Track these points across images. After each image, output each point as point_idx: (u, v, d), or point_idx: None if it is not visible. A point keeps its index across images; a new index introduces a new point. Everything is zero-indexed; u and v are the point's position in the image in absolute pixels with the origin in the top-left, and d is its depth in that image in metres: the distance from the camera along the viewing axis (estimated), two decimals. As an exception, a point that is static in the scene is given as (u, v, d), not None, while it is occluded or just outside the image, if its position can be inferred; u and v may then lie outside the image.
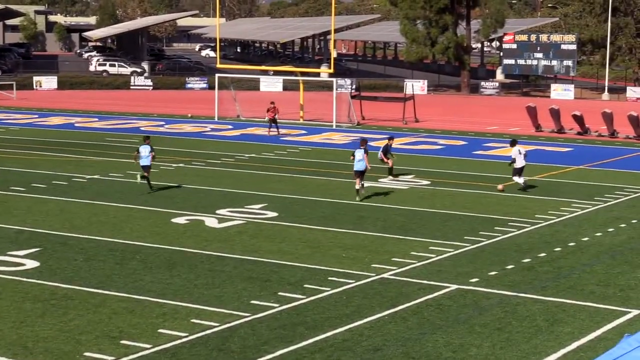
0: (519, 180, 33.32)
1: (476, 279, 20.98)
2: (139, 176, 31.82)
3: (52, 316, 17.78)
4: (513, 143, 33.77)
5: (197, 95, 79.38)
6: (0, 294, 19.22)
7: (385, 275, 21.24)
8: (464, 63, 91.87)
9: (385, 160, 35.23)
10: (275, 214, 28.23)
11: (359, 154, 30.77)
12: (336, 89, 57.06)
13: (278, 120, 50.79)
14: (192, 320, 17.65)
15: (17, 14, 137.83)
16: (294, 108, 59.49)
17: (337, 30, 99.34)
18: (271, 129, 50.16)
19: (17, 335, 16.67)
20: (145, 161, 31.52)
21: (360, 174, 30.79)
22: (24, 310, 18.12)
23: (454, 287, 20.36)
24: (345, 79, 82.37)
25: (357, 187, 30.91)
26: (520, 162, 33.20)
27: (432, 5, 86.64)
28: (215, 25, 77.26)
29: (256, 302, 18.92)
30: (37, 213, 27.80)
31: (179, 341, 16.49)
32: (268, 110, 50.63)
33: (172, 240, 24.51)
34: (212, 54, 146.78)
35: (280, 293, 19.58)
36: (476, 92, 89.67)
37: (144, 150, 31.60)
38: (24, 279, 20.36)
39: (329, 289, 19.98)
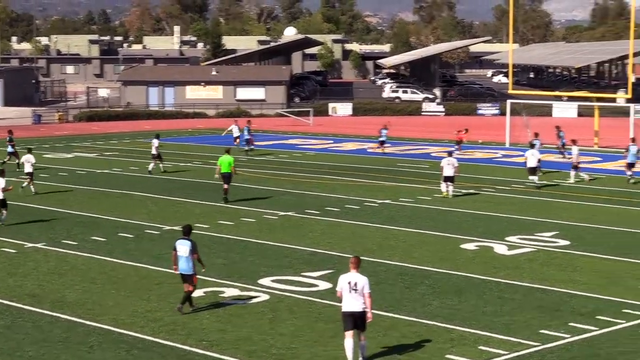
0: None
1: None
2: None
3: (343, 337, 18.16)
4: None
5: (488, 121, 79.02)
6: (294, 313, 19.95)
7: (684, 310, 20.20)
8: None
9: None
10: (566, 242, 27.56)
11: None
12: (634, 115, 54.99)
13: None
14: (480, 347, 17.55)
15: (315, 43, 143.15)
16: (589, 134, 57.93)
17: (636, 54, 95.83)
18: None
19: (310, 354, 17.20)
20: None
21: None
22: (317, 330, 18.68)
23: None
24: (644, 104, 79.17)
25: None
26: None
27: None
28: (508, 51, 76.86)
29: (546, 331, 18.54)
30: (331, 236, 28.62)
31: (466, 368, 16.44)
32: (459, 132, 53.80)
33: (461, 266, 24.48)
34: (504, 79, 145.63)
35: (571, 324, 19.09)
36: None
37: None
38: (317, 300, 21.00)
39: (623, 321, 19.26)
